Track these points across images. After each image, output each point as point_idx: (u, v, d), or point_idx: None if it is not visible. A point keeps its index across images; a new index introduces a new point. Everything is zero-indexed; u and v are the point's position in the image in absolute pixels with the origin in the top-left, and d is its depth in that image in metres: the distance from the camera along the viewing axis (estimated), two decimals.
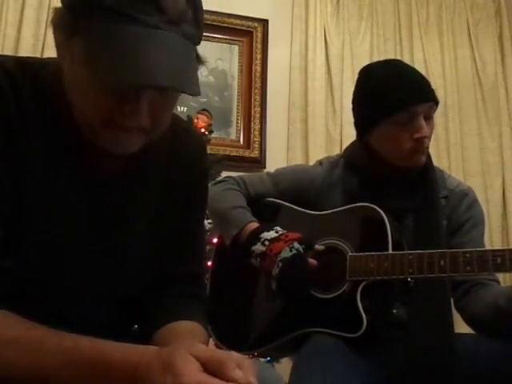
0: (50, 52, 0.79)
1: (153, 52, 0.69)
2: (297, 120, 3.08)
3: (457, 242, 1.37)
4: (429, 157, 1.43)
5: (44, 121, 0.80)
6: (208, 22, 2.84)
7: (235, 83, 3.09)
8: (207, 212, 1.23)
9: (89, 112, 0.75)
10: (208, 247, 1.66)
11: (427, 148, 1.36)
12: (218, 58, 3.07)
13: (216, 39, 3.06)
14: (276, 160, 2.89)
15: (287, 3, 3.24)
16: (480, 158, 3.26)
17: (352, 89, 1.45)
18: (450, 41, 3.40)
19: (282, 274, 1.26)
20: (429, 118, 1.34)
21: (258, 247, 1.32)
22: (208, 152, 1.10)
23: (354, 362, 1.20)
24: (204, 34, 0.79)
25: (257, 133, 3.02)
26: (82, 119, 0.77)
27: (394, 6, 3.39)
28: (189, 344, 0.68)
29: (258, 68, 3.10)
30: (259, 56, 3.12)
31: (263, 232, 1.34)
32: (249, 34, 3.14)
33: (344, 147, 1.61)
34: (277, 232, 1.33)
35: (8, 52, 2.61)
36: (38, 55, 2.66)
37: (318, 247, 1.34)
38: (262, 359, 1.99)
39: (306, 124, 3.08)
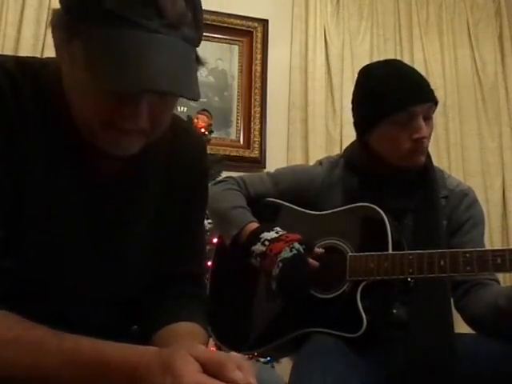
0: (50, 52, 0.79)
1: (153, 56, 0.69)
2: (297, 120, 3.08)
3: (457, 241, 1.37)
4: (429, 157, 1.43)
5: (44, 121, 0.80)
6: (208, 22, 2.84)
7: (235, 83, 3.09)
8: (207, 212, 1.23)
9: (88, 114, 0.75)
10: (208, 247, 1.66)
11: (426, 148, 1.36)
12: (217, 57, 3.07)
13: (216, 39, 3.06)
14: (276, 160, 2.88)
15: (287, 3, 3.24)
16: (480, 158, 3.26)
17: (352, 89, 1.45)
18: (450, 41, 3.40)
19: (281, 274, 1.26)
20: (428, 118, 1.34)
21: (258, 247, 1.31)
22: (208, 152, 1.10)
23: (354, 362, 1.20)
24: (204, 34, 0.79)
25: (257, 133, 3.02)
26: (81, 120, 0.78)
27: (394, 6, 3.39)
28: (189, 345, 0.68)
29: (258, 68, 3.10)
30: (259, 56, 3.12)
31: (263, 232, 1.34)
32: (249, 34, 3.14)
33: (344, 147, 1.61)
34: (277, 232, 1.33)
35: (8, 52, 2.61)
36: (38, 55, 2.66)
37: (318, 250, 1.33)
38: (262, 359, 1.99)
39: (306, 124, 3.08)
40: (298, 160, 2.97)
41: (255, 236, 1.34)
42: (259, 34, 3.15)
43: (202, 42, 0.78)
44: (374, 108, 1.34)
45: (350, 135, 1.51)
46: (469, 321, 1.34)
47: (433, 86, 1.37)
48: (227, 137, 3.01)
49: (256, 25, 3.16)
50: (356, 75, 1.45)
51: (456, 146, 3.23)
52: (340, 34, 3.24)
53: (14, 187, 0.77)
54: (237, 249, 1.37)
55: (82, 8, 0.70)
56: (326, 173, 1.48)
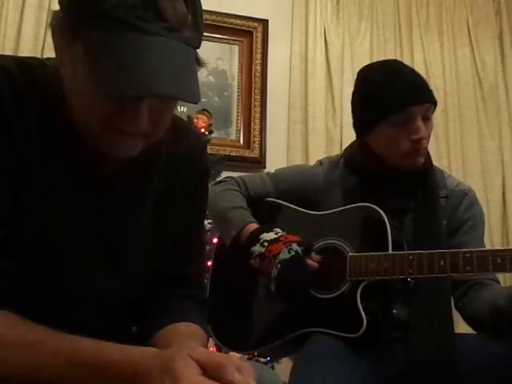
0: (50, 52, 0.79)
1: (153, 60, 0.69)
2: (297, 120, 3.08)
3: (457, 241, 1.37)
4: (429, 157, 1.43)
5: (44, 121, 0.80)
6: (208, 22, 2.84)
7: (235, 83, 3.09)
8: (207, 212, 1.23)
9: (88, 116, 0.75)
10: (208, 247, 1.66)
11: (426, 149, 1.36)
12: (217, 57, 3.07)
13: (216, 39, 3.06)
14: (276, 160, 2.88)
15: (287, 3, 3.24)
16: (480, 158, 3.26)
17: (352, 89, 1.45)
18: (450, 41, 3.40)
19: (280, 275, 1.26)
20: (427, 118, 1.34)
21: (258, 248, 1.31)
22: (208, 152, 1.10)
23: (354, 362, 1.20)
24: (204, 33, 0.79)
25: (257, 133, 3.02)
26: (81, 122, 0.78)
27: (393, 6, 3.39)
28: (189, 346, 0.68)
29: (258, 68, 3.10)
30: (259, 56, 3.12)
31: (263, 233, 1.33)
32: (249, 34, 3.14)
33: (344, 147, 1.61)
34: (276, 233, 1.33)
35: (8, 52, 2.61)
36: (38, 55, 2.66)
37: (314, 258, 1.33)
38: (262, 359, 1.99)
39: (305, 124, 3.08)
40: (297, 160, 2.97)
41: (255, 237, 1.34)
42: (259, 34, 3.15)
43: (202, 42, 0.78)
44: (373, 109, 1.34)
45: (350, 135, 1.51)
46: (468, 320, 1.34)
47: (433, 86, 1.37)
48: (227, 137, 3.01)
49: (256, 25, 3.15)
50: (356, 75, 1.45)
51: (456, 146, 3.23)
52: (340, 34, 3.24)
53: (15, 188, 0.77)
54: (236, 249, 1.37)
55: (82, 11, 0.70)
56: (326, 173, 1.48)
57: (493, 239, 3.11)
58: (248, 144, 3.01)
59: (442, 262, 1.18)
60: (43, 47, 2.73)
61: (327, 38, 3.20)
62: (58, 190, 0.81)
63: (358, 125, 1.42)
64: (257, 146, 3.01)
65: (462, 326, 1.39)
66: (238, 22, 3.13)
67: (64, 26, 0.73)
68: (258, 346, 1.40)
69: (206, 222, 1.61)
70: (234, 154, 2.95)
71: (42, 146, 0.79)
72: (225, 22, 3.08)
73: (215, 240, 1.62)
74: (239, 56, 3.12)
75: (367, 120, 1.37)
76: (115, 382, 0.68)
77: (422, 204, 1.38)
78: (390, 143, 1.34)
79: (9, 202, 0.77)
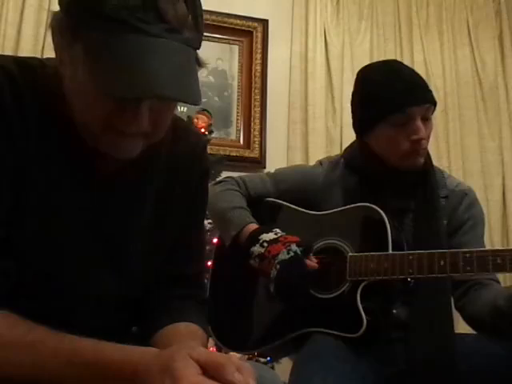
0: (50, 52, 0.79)
1: (154, 62, 0.69)
2: (297, 120, 3.08)
3: (457, 241, 1.37)
4: (429, 157, 1.43)
5: (44, 121, 0.80)
6: (208, 22, 2.84)
7: (235, 83, 3.09)
8: (207, 212, 1.23)
9: (89, 117, 0.75)
10: (208, 247, 1.66)
11: (425, 149, 1.36)
12: (218, 57, 3.07)
13: (216, 39, 3.06)
14: (276, 160, 2.88)
15: (287, 3, 3.24)
16: (480, 158, 3.26)
17: (352, 89, 1.45)
18: (450, 41, 3.40)
19: (279, 276, 1.26)
20: (426, 119, 1.34)
21: (257, 248, 1.31)
22: (208, 152, 1.10)
23: (354, 362, 1.20)
24: (204, 34, 0.79)
25: (257, 133, 3.02)
26: (82, 122, 0.78)
27: (393, 6, 3.39)
28: (189, 346, 0.67)
29: (258, 68, 3.10)
30: (259, 56, 3.12)
31: (262, 233, 1.33)
32: (249, 34, 3.14)
33: (344, 147, 1.61)
34: (276, 234, 1.33)
35: (8, 52, 2.61)
36: (38, 55, 2.66)
37: (311, 263, 1.33)
38: (262, 359, 1.99)
39: (305, 124, 3.08)
40: (297, 160, 2.97)
41: (254, 237, 1.34)
42: (259, 34, 3.15)
43: (202, 42, 0.78)
44: (372, 109, 1.34)
45: (350, 135, 1.51)
46: (468, 320, 1.34)
47: (433, 86, 1.37)
48: (227, 137, 3.01)
49: (256, 25, 3.15)
50: (356, 75, 1.45)
51: (456, 146, 3.23)
52: (340, 34, 3.24)
53: (15, 188, 0.77)
54: (236, 249, 1.37)
55: (83, 12, 0.69)
56: (327, 173, 1.48)
57: (493, 239, 3.11)
58: (248, 144, 3.01)
59: (442, 262, 1.18)
60: (43, 47, 2.73)
61: (327, 38, 3.20)
62: (58, 190, 0.81)
63: (357, 125, 1.42)
64: (257, 146, 3.01)
65: (462, 326, 1.39)
66: (238, 21, 3.13)
67: (64, 26, 0.73)
68: (258, 346, 1.41)
69: (206, 222, 1.61)
70: (234, 154, 2.95)
71: (42, 145, 0.79)
72: (225, 22, 3.08)
73: (215, 240, 1.62)
74: (239, 56, 3.12)
75: (367, 120, 1.37)
76: (115, 382, 0.68)
77: (422, 204, 1.38)
78: (390, 143, 1.34)
79: (9, 201, 0.77)
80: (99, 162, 0.84)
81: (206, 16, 0.80)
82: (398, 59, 2.75)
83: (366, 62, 1.51)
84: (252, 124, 3.03)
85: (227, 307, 1.45)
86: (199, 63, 0.79)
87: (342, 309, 1.28)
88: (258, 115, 3.04)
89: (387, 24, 3.36)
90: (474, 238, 1.38)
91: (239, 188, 1.48)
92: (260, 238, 1.32)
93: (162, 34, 0.69)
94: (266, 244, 1.31)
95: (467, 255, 1.16)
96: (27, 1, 2.76)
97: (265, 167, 2.93)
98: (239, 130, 3.04)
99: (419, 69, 3.05)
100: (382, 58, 1.50)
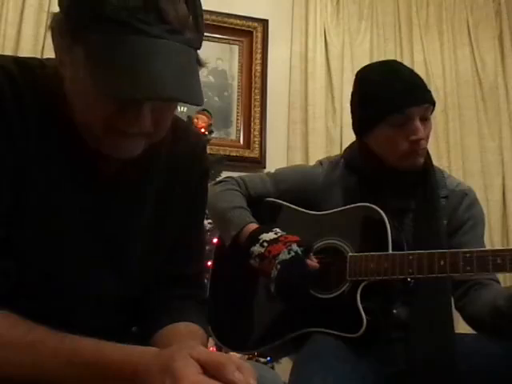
0: (50, 52, 0.79)
1: (157, 63, 0.69)
2: (297, 120, 3.08)
3: (457, 241, 1.37)
4: (429, 157, 1.43)
5: (44, 121, 0.79)
6: (208, 22, 2.84)
7: (235, 83, 3.09)
8: (207, 212, 1.23)
9: (90, 118, 0.75)
10: (208, 247, 1.66)
11: (424, 149, 1.36)
12: (218, 57, 3.07)
13: (216, 39, 3.06)
14: (276, 160, 2.88)
15: (287, 3, 3.24)
16: (480, 158, 3.26)
17: (352, 89, 1.45)
18: (450, 41, 3.40)
19: (280, 276, 1.26)
20: (425, 119, 1.34)
21: (257, 248, 1.31)
22: (208, 152, 1.10)
23: (354, 362, 1.20)
24: (204, 34, 0.78)
25: (257, 133, 3.02)
26: (83, 123, 0.77)
27: (393, 6, 3.39)
28: (189, 346, 0.68)
29: (258, 68, 3.10)
30: (259, 56, 3.12)
31: (262, 233, 1.33)
32: (249, 34, 3.14)
33: (344, 147, 1.61)
34: (276, 233, 1.33)
35: (8, 52, 2.61)
36: (38, 55, 2.66)
37: (312, 263, 1.33)
38: (262, 359, 1.99)
39: (305, 124, 3.08)
40: (297, 160, 2.97)
41: (254, 237, 1.34)
42: (259, 34, 3.15)
43: (203, 42, 0.78)
44: (371, 110, 1.34)
45: (350, 135, 1.51)
46: (468, 320, 1.34)
47: (433, 86, 1.37)
48: (227, 137, 3.01)
49: (256, 25, 3.15)
50: (355, 75, 1.45)
51: (456, 146, 3.23)
52: (340, 34, 3.24)
53: (15, 188, 0.77)
54: (236, 249, 1.37)
55: (83, 13, 0.69)
56: (327, 173, 1.48)
57: (493, 239, 3.11)
58: (248, 144, 3.01)
59: (442, 262, 1.18)
60: (43, 47, 2.73)
61: (327, 37, 3.20)
62: (58, 190, 0.81)
63: (356, 125, 1.42)
64: (257, 145, 3.01)
65: (462, 326, 1.39)
66: (238, 22, 3.13)
67: (64, 28, 0.73)
68: (258, 346, 1.40)
69: (205, 222, 1.61)
70: (234, 154, 2.95)
71: (42, 146, 0.79)
72: (225, 22, 3.08)
73: (215, 240, 1.62)
74: (239, 56, 3.12)
75: (366, 120, 1.37)
76: (115, 382, 0.68)
77: (422, 204, 1.38)
78: (389, 144, 1.34)
79: (9, 201, 0.77)
80: (99, 162, 0.84)
81: (206, 16, 0.80)
82: (398, 59, 2.75)
83: (366, 62, 1.51)
84: (252, 124, 3.03)
85: (227, 307, 1.45)
86: (200, 63, 0.79)
87: (342, 309, 1.28)
88: (258, 115, 3.04)
89: (387, 24, 3.36)
90: (474, 238, 1.38)
91: (239, 188, 1.48)
92: (260, 237, 1.32)
93: (163, 35, 0.69)
94: (266, 244, 1.31)
95: (467, 255, 1.16)
96: (27, 1, 2.76)
97: (265, 167, 2.93)
98: (239, 130, 3.04)
99: (419, 69, 3.05)
100: (381, 58, 1.51)
